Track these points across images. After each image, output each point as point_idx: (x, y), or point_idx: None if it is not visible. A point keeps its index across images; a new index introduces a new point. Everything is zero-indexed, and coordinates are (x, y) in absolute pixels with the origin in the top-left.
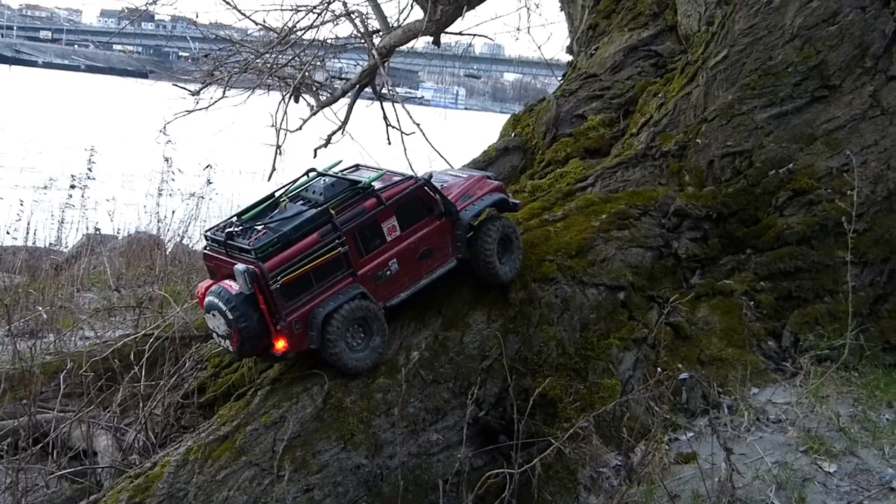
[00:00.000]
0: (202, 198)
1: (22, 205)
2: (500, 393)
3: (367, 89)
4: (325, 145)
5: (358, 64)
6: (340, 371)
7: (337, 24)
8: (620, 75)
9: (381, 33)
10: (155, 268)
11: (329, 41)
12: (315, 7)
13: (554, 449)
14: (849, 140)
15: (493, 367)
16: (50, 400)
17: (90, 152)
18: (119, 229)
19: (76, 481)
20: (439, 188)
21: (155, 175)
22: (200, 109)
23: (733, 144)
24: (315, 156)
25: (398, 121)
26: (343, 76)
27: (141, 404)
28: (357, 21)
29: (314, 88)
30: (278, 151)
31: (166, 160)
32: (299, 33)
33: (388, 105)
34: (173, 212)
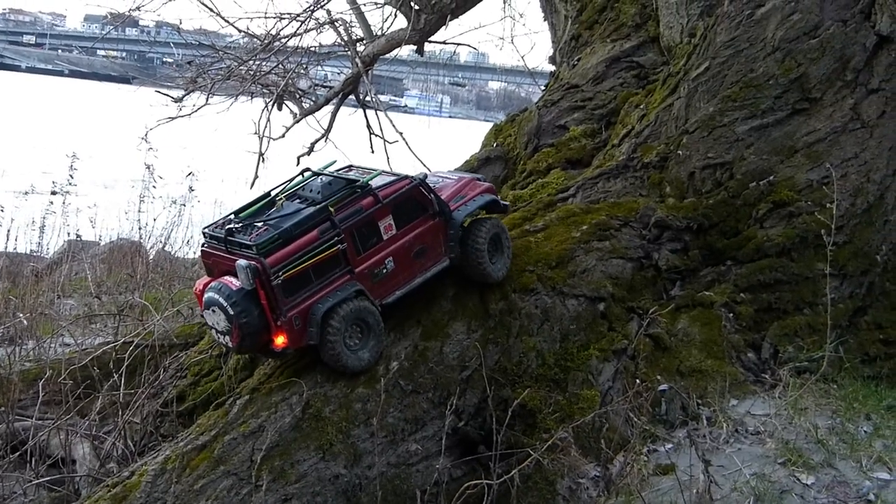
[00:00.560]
0: (184, 205)
1: (2, 210)
2: (480, 403)
3: (350, 97)
4: (309, 153)
5: (342, 72)
6: (337, 370)
7: (321, 31)
8: (603, 86)
9: (364, 42)
10: (136, 275)
11: (313, 49)
12: (299, 15)
13: (533, 460)
14: (829, 153)
15: (473, 378)
16: (28, 407)
17: (72, 158)
18: (100, 236)
19: (54, 489)
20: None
21: (137, 182)
22: (183, 116)
23: (714, 156)
24: (298, 163)
25: (381, 129)
26: (326, 84)
27: (120, 412)
28: (341, 29)
29: (297, 96)
30: (261, 159)
31: (148, 167)
32: (283, 41)
33: (371, 113)
34: (154, 219)
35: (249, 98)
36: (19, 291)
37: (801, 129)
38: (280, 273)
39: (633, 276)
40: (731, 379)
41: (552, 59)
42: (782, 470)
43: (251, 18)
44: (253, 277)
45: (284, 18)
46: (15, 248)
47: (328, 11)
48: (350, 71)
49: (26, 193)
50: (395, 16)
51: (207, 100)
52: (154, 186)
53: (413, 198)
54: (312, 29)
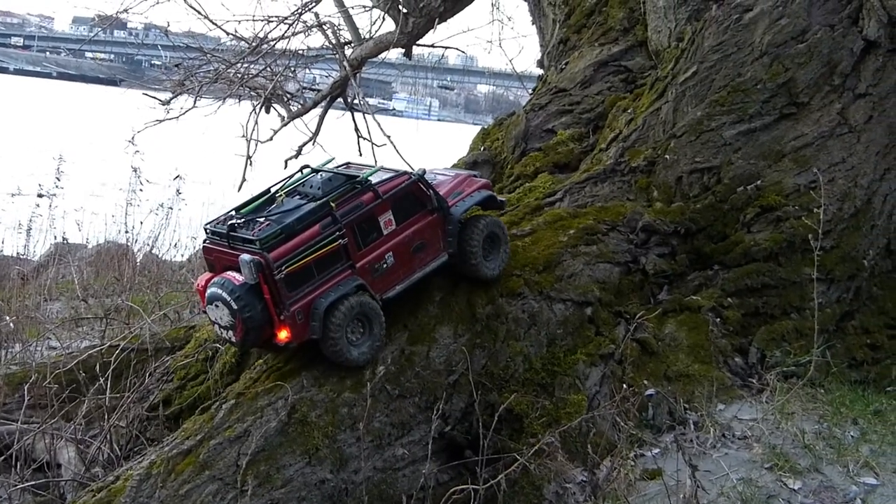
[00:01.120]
0: (171, 209)
1: None
2: (467, 408)
3: (338, 100)
4: (297, 156)
5: (329, 75)
6: (340, 364)
7: (308, 35)
8: (590, 90)
9: (352, 45)
10: (123, 278)
11: (301, 52)
12: (286, 18)
13: (519, 465)
14: (817, 157)
15: (460, 382)
16: (14, 411)
17: (58, 161)
18: (87, 239)
19: (39, 494)
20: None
21: (124, 185)
22: (170, 119)
23: (702, 160)
24: (286, 166)
25: (369, 132)
26: (315, 87)
27: (106, 416)
28: (329, 32)
29: (285, 99)
30: (249, 162)
31: (134, 170)
32: (271, 44)
33: (359, 116)
34: (141, 222)
35: (237, 101)
36: (5, 294)
37: (788, 134)
38: (283, 267)
39: (620, 281)
40: (718, 383)
41: (540, 63)
42: (769, 475)
43: (239, 21)
44: (256, 272)
45: (272, 21)
46: (1, 251)
47: (316, 14)
48: (338, 74)
49: (13, 196)
50: (384, 19)
51: (195, 103)
52: (141, 190)
53: (412, 193)
54: (300, 32)
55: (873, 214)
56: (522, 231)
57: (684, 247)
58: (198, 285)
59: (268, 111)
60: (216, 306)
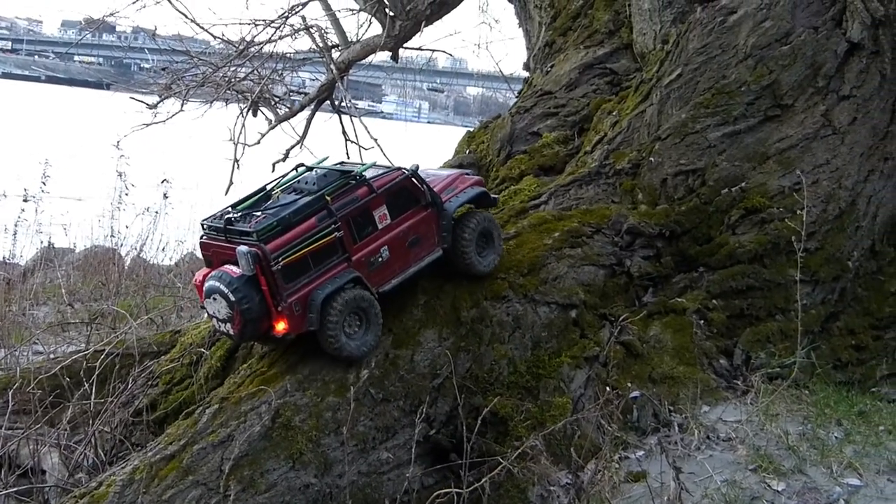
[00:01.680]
0: (157, 213)
1: None
2: (451, 411)
3: (326, 103)
4: (284, 159)
5: (315, 78)
6: (337, 358)
7: (295, 38)
8: (576, 93)
9: (339, 48)
10: (109, 283)
11: (288, 55)
12: (273, 21)
13: (503, 468)
14: (801, 159)
15: (444, 386)
16: None
17: (45, 165)
18: (74, 243)
19: (23, 500)
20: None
21: (111, 189)
22: (158, 123)
23: (686, 163)
24: (273, 170)
25: (356, 135)
26: (302, 90)
27: (90, 421)
28: (316, 35)
29: (272, 103)
30: (236, 165)
31: (120, 175)
32: (258, 47)
33: (347, 119)
34: (127, 226)
35: (225, 104)
36: None
37: (773, 136)
38: (280, 259)
39: (605, 283)
40: (702, 385)
41: (526, 66)
42: (753, 476)
43: (226, 25)
44: (253, 263)
45: (259, 25)
46: None
47: (303, 18)
48: (325, 77)
49: None
50: (370, 22)
51: (182, 106)
52: (126, 194)
53: (406, 188)
54: (287, 35)
55: (858, 216)
56: (507, 234)
57: (669, 249)
58: (196, 280)
59: (255, 114)
60: (214, 299)
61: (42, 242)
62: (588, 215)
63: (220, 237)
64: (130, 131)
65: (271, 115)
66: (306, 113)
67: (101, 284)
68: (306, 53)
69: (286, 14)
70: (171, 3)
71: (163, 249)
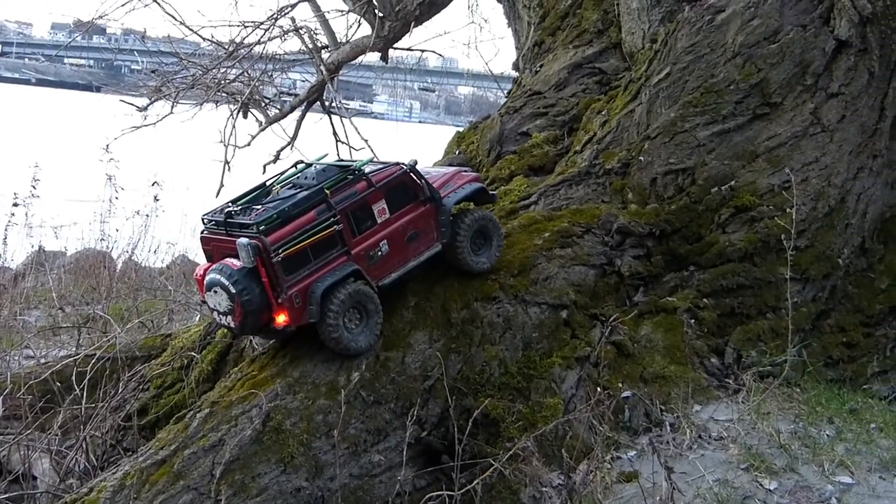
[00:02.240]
0: (147, 216)
1: None
2: (443, 413)
3: (317, 104)
4: (275, 161)
5: (305, 80)
6: (337, 351)
7: (285, 39)
8: (565, 93)
9: (329, 49)
10: (100, 286)
11: (277, 56)
12: (262, 23)
13: (495, 470)
14: (790, 157)
15: (435, 388)
16: None
17: (35, 169)
18: (66, 247)
19: None
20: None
21: (101, 192)
22: (147, 125)
23: (676, 162)
24: (264, 171)
25: (346, 136)
26: (292, 92)
27: (81, 426)
28: (305, 37)
29: (263, 104)
30: (227, 167)
31: (109, 178)
32: (247, 49)
33: (337, 120)
34: (117, 230)
35: (215, 106)
36: None
37: (762, 134)
38: (280, 251)
39: (595, 283)
40: (694, 384)
41: (516, 66)
42: (745, 475)
43: (215, 27)
44: (254, 255)
45: (248, 26)
46: None
47: (292, 19)
48: (315, 78)
49: None
50: (360, 23)
51: (172, 109)
52: (116, 198)
53: (404, 183)
54: (277, 37)
55: (847, 213)
56: None
57: (659, 248)
58: (196, 274)
59: (245, 116)
60: (215, 292)
61: (33, 246)
62: (578, 215)
63: (220, 231)
64: (120, 134)
65: (261, 117)
66: (297, 114)
67: (91, 288)
68: (296, 55)
69: (275, 16)
70: (159, 5)
71: (154, 252)
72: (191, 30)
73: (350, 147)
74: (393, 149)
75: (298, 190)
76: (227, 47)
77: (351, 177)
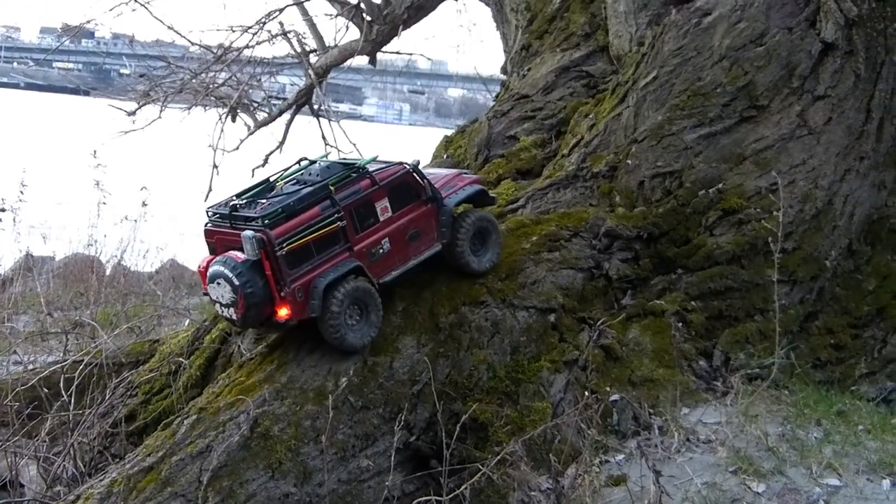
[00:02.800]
0: (135, 221)
1: None
2: (431, 418)
3: (306, 108)
4: (264, 164)
5: (293, 84)
6: (338, 347)
7: (273, 43)
8: (552, 96)
9: (317, 53)
10: (88, 292)
11: (266, 60)
12: (251, 27)
13: (483, 475)
14: (777, 159)
15: (424, 392)
16: None
17: (22, 174)
18: (55, 252)
19: None
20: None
21: (89, 197)
22: (136, 130)
23: (663, 165)
24: (253, 175)
25: (335, 139)
26: (281, 95)
27: (69, 433)
28: (294, 41)
29: (251, 108)
30: (215, 171)
31: (97, 183)
32: (236, 52)
33: (326, 123)
34: (105, 235)
35: (204, 110)
36: None
37: (749, 137)
38: (284, 244)
39: (583, 287)
40: (682, 387)
41: (504, 69)
42: (733, 478)
43: (203, 31)
44: (258, 247)
45: (237, 30)
46: None
47: (280, 23)
48: (304, 82)
49: None
50: (348, 27)
51: (160, 113)
52: (104, 203)
53: (407, 182)
54: (265, 41)
55: (834, 215)
56: None
57: (647, 251)
58: (200, 267)
59: (234, 120)
60: (218, 284)
61: (21, 251)
62: (566, 219)
63: (224, 223)
64: (109, 139)
65: (250, 121)
66: (286, 118)
67: (79, 293)
68: (284, 59)
69: (264, 20)
70: (147, 9)
71: (144, 256)
72: (179, 34)
73: (339, 151)
74: (383, 152)
75: (303, 186)
76: (215, 51)
77: (355, 174)
